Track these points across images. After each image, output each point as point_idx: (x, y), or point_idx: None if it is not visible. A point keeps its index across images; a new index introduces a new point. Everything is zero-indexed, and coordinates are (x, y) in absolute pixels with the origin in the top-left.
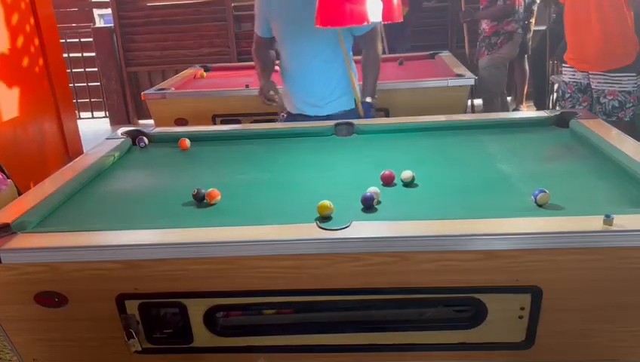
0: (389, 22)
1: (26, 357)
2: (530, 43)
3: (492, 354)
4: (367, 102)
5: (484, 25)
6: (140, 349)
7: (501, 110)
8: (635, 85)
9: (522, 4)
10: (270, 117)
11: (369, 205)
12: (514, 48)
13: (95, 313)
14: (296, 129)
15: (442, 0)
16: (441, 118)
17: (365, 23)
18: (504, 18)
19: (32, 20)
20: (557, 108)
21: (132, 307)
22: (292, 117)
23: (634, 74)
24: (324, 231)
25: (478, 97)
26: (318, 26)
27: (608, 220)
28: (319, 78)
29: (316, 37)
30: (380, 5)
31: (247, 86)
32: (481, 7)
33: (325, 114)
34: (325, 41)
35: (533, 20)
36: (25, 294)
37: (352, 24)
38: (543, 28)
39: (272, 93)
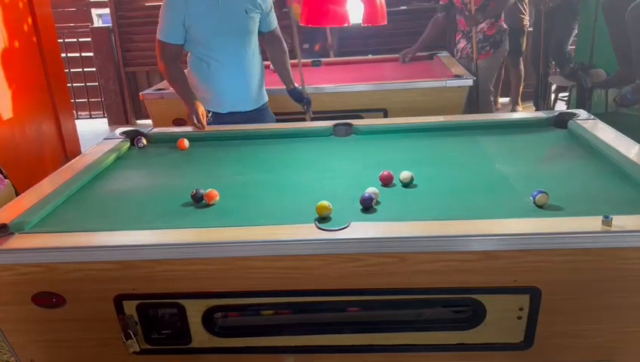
0: (372, 24)
1: (24, 358)
2: (525, 44)
3: (491, 354)
4: (296, 87)
5: (484, 24)
6: (138, 350)
7: (491, 110)
8: None
9: None
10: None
11: (368, 206)
12: (507, 44)
13: (93, 314)
14: (294, 129)
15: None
16: (440, 118)
17: (346, 25)
18: (501, 14)
19: (29, 20)
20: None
21: (130, 307)
22: (221, 117)
23: None
24: (323, 231)
25: (477, 99)
26: (303, 24)
27: (607, 221)
28: (253, 72)
29: (244, 33)
30: (361, 7)
31: None
32: (476, 7)
33: (257, 107)
34: (250, 36)
35: (527, 22)
36: (22, 295)
37: (334, 24)
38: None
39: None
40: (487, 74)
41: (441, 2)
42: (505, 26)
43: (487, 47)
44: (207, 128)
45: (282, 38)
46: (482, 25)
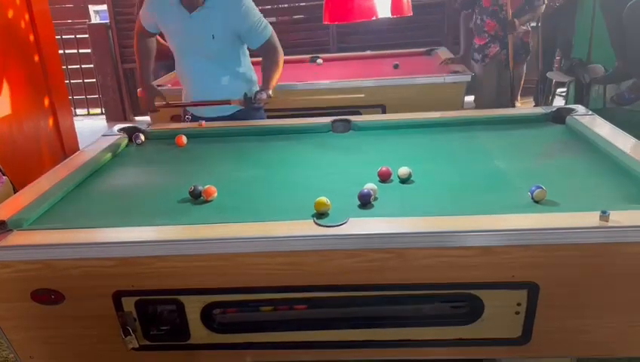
0: (399, 16)
1: (23, 355)
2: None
3: (489, 349)
4: (264, 91)
5: (522, 30)
6: (137, 346)
7: None
8: None
9: None
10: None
11: (366, 201)
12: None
13: (92, 310)
14: (292, 126)
15: None
16: (438, 114)
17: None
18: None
19: (27, 16)
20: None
21: (129, 304)
22: (196, 118)
23: None
24: (321, 227)
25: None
26: (327, 22)
27: (604, 216)
28: (217, 87)
29: (212, 56)
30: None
31: None
32: (510, 12)
33: (227, 114)
34: (219, 58)
35: None
36: (21, 292)
37: (360, 19)
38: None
39: (156, 102)
40: (518, 81)
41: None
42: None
43: (524, 55)
44: (205, 125)
45: (276, 48)
46: (520, 31)
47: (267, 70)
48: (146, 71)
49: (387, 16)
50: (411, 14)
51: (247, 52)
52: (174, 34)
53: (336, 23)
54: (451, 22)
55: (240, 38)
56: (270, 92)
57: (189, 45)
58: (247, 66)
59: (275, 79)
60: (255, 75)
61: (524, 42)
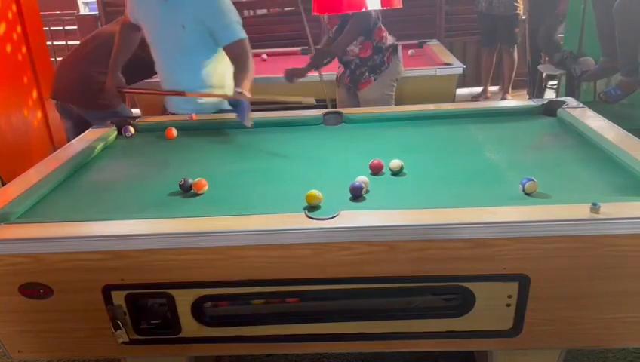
0: (389, 8)
1: (11, 349)
2: (518, 32)
3: (480, 341)
4: (238, 91)
5: (352, 47)
6: (127, 340)
7: None
8: None
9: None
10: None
11: (358, 194)
12: (401, 63)
13: (81, 304)
14: (284, 118)
15: None
16: (430, 106)
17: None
18: (371, 30)
19: (14, 7)
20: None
21: (119, 298)
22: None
23: None
24: (313, 220)
25: None
26: (316, 13)
27: (595, 208)
28: (188, 83)
29: (181, 47)
30: None
31: None
32: (332, 30)
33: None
34: (188, 51)
35: (521, 10)
36: (9, 285)
37: (349, 10)
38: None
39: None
40: (379, 105)
41: None
42: (388, 39)
43: (366, 74)
44: (195, 117)
45: (243, 54)
46: (352, 47)
47: (235, 77)
48: (117, 62)
49: (377, 8)
50: (401, 6)
51: (226, 61)
52: (148, 21)
53: (325, 14)
54: (445, 15)
55: (212, 36)
56: (241, 90)
57: (161, 35)
58: (221, 75)
59: (246, 81)
60: (229, 88)
61: (363, 58)
